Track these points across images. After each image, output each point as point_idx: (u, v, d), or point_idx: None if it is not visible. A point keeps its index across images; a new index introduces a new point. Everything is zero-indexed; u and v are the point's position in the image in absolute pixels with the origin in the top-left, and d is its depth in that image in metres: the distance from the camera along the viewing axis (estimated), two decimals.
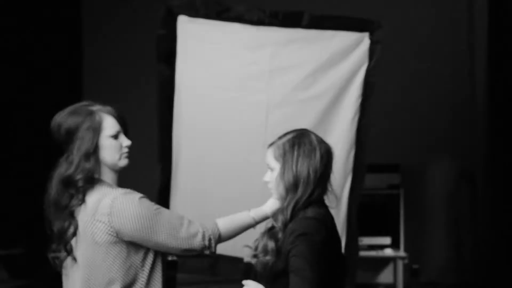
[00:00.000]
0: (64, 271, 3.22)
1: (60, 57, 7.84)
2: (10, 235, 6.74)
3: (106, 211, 3.02)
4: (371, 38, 4.32)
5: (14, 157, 7.09)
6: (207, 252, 3.19)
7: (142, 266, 3.11)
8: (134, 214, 3.02)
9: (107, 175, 3.17)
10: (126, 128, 3.24)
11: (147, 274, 3.11)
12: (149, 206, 3.09)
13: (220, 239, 3.24)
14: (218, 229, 3.22)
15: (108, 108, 3.21)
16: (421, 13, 8.44)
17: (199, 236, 3.14)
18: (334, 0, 7.02)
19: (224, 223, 3.26)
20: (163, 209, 3.18)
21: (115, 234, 3.03)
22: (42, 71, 7.50)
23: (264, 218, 3.32)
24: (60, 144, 3.15)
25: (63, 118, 3.12)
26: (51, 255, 3.19)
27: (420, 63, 8.35)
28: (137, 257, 3.09)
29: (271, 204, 3.31)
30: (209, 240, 3.17)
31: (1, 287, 6.25)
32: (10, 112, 7.09)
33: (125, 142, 3.20)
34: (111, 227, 3.02)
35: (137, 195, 3.09)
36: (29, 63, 7.37)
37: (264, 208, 3.33)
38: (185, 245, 3.12)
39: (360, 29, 4.33)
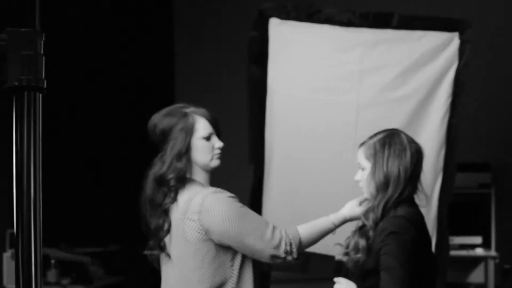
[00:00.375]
0: (161, 268, 3.31)
1: (153, 61, 7.96)
2: (107, 232, 6.88)
3: (197, 209, 3.06)
4: (460, 38, 4.29)
5: (111, 158, 7.24)
6: (289, 258, 3.15)
7: (232, 265, 3.13)
8: (223, 213, 3.05)
9: (199, 175, 3.22)
10: (218, 130, 3.27)
11: (237, 273, 3.13)
12: (237, 206, 3.11)
13: (301, 245, 3.20)
14: (298, 235, 3.18)
15: (202, 110, 3.25)
16: (507, 11, 8.32)
17: (282, 241, 3.12)
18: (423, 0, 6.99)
19: (305, 229, 3.23)
20: (250, 211, 3.20)
21: (204, 233, 3.07)
22: (136, 74, 7.63)
23: (343, 222, 3.30)
24: (156, 144, 3.23)
25: (158, 119, 3.20)
26: (147, 251, 3.29)
27: (510, 61, 8.23)
28: (227, 256, 3.12)
29: (350, 207, 3.31)
30: (290, 245, 3.13)
31: (97, 284, 6.39)
32: (106, 116, 7.23)
33: (217, 143, 3.23)
34: (201, 225, 3.06)
35: (226, 194, 3.12)
36: (124, 67, 7.51)
37: (343, 212, 3.31)
38: (269, 248, 3.09)
39: (450, 29, 4.30)
